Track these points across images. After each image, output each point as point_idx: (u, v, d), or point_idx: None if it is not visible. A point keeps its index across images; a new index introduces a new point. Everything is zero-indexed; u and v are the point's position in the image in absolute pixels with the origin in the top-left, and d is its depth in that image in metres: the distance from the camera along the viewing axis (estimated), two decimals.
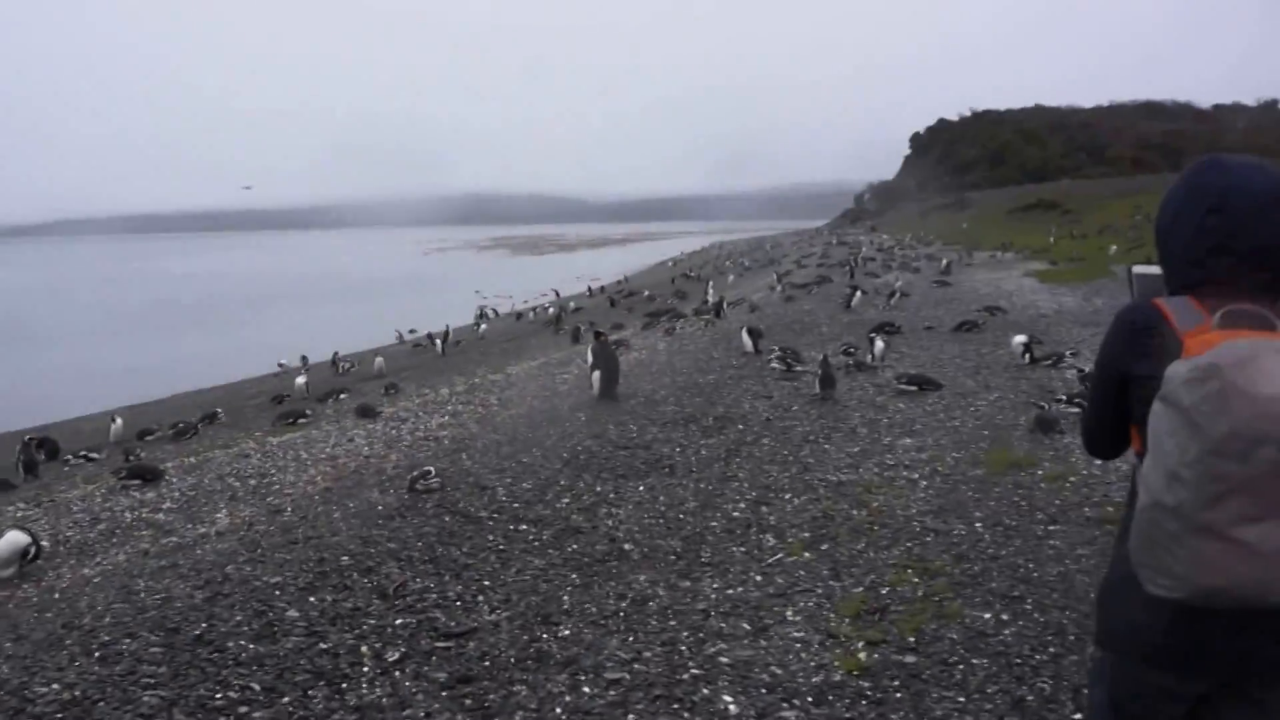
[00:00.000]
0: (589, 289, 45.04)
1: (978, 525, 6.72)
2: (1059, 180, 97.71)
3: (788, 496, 7.73)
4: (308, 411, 15.69)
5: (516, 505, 7.87)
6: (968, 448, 8.90)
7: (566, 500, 7.96)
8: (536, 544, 6.91)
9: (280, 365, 26.84)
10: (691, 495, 7.93)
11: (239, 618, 5.69)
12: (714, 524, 7.16)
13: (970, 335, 16.78)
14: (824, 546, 6.50)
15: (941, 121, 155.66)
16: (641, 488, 8.24)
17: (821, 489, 7.88)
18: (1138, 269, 2.39)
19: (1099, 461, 7.96)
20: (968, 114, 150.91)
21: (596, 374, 12.56)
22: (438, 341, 26.58)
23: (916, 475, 8.11)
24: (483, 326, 31.16)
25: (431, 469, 8.71)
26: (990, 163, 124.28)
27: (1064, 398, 10.31)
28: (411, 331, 31.76)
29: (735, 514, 7.37)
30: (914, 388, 11.68)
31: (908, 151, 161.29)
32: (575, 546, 6.81)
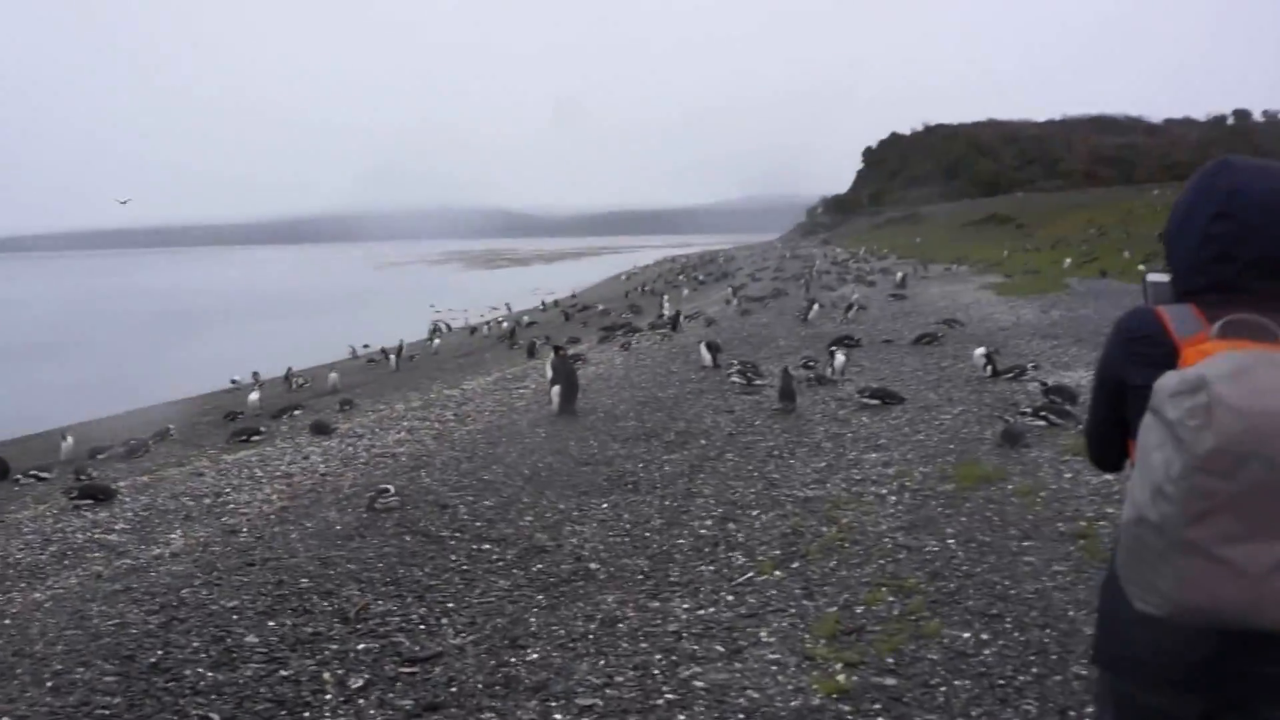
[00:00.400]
0: (542, 303, 44.82)
1: (950, 541, 6.62)
2: (1012, 193, 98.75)
3: (755, 513, 7.64)
4: (261, 428, 15.42)
5: (478, 524, 7.75)
6: (935, 462, 8.82)
7: (529, 518, 7.84)
8: (500, 564, 6.79)
9: (233, 381, 26.39)
10: (657, 512, 7.83)
11: (196, 644, 5.52)
12: (681, 542, 7.06)
13: (930, 348, 16.78)
14: (795, 564, 6.40)
15: (894, 135, 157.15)
16: (605, 505, 8.14)
17: (789, 505, 7.80)
18: (1152, 276, 2.31)
19: (1069, 475, 7.94)
20: (920, 128, 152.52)
21: (556, 389, 12.46)
22: (391, 356, 26.27)
23: (885, 490, 8.02)
24: (436, 341, 30.85)
25: (390, 487, 8.56)
26: (943, 176, 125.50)
27: (1029, 410, 10.26)
28: (365, 346, 31.38)
29: (702, 531, 7.27)
30: (877, 401, 11.62)
31: (860, 165, 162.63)
32: (540, 566, 6.69)
